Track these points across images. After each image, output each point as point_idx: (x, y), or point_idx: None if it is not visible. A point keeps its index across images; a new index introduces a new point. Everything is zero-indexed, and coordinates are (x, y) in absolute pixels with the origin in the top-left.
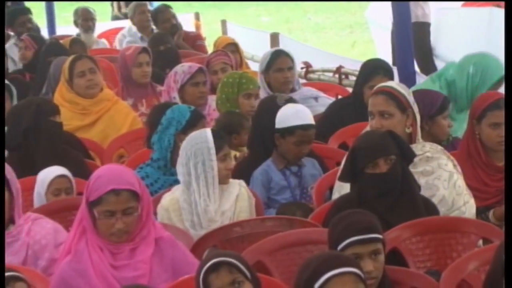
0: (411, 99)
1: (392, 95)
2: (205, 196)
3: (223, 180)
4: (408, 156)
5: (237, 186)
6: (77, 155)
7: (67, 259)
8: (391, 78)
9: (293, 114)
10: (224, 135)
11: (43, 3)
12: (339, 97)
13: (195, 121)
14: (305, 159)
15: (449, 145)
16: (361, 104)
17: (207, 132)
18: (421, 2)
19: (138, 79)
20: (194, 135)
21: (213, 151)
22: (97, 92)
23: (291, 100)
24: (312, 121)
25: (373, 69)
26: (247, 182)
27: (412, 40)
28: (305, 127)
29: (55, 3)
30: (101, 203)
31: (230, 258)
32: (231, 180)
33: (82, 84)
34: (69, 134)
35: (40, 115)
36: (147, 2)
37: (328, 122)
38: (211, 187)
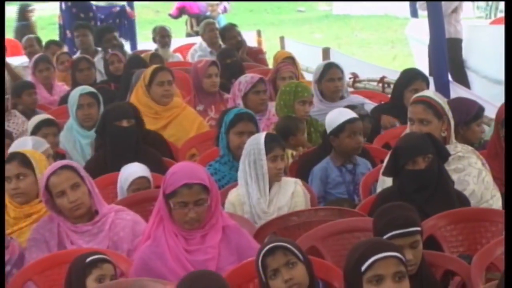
0: (446, 107)
1: (430, 105)
2: (256, 191)
3: (273, 178)
4: (444, 155)
5: (293, 184)
6: (155, 154)
7: (147, 243)
8: (428, 83)
9: (337, 115)
10: (277, 139)
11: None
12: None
13: (234, 122)
14: (360, 159)
15: (480, 146)
16: (400, 107)
17: (261, 135)
18: (452, 20)
19: (208, 88)
20: (252, 137)
21: (263, 151)
22: (170, 101)
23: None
24: (355, 114)
25: (413, 75)
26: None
27: (446, 54)
28: (351, 120)
29: (136, 20)
30: (176, 195)
31: (284, 243)
32: (288, 178)
33: (159, 92)
34: (156, 134)
35: (106, 120)
36: (216, 22)
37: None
38: (261, 183)
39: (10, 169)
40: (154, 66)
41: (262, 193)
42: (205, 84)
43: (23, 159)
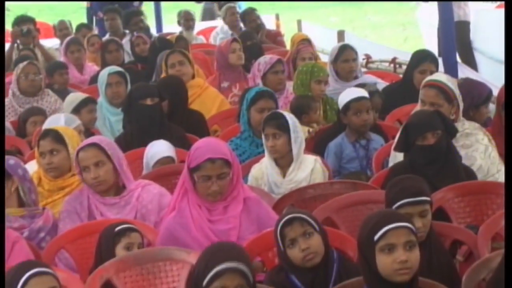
0: (457, 92)
1: (442, 90)
2: (269, 165)
3: (270, 155)
4: (452, 132)
5: (313, 161)
6: (179, 130)
7: (172, 214)
8: (437, 64)
9: (346, 94)
10: (272, 118)
11: (152, 5)
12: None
13: (256, 99)
14: (373, 135)
15: (483, 124)
16: (409, 86)
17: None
18: (462, 4)
19: (235, 62)
20: None
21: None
22: (185, 80)
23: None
24: (363, 94)
25: (422, 56)
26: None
27: (455, 36)
28: (357, 99)
29: (162, 4)
30: (200, 169)
31: (301, 214)
32: (307, 156)
33: (172, 73)
34: (193, 111)
35: (131, 99)
36: (236, 5)
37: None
38: (269, 159)
39: (44, 145)
40: (166, 51)
41: (273, 165)
42: (231, 59)
43: (56, 136)
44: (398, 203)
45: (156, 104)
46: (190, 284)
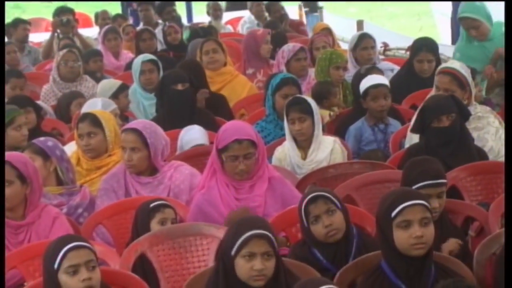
0: (469, 78)
1: (456, 77)
2: (291, 147)
3: (296, 138)
4: (465, 115)
5: (332, 142)
6: (208, 114)
7: (201, 192)
8: (434, 52)
9: (366, 80)
10: (296, 103)
11: None
12: None
13: (280, 86)
14: (392, 120)
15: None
16: (412, 73)
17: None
18: None
19: (265, 54)
20: None
21: (285, 115)
22: (217, 67)
23: (371, 68)
24: (381, 81)
25: (419, 46)
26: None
27: None
28: (374, 86)
29: None
30: (228, 149)
31: (325, 193)
32: (327, 137)
33: (206, 60)
34: (216, 94)
35: (163, 84)
36: None
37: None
38: (290, 141)
39: (83, 127)
40: (202, 40)
41: (295, 149)
42: (262, 50)
43: (94, 119)
44: (419, 184)
45: (187, 89)
46: (218, 256)
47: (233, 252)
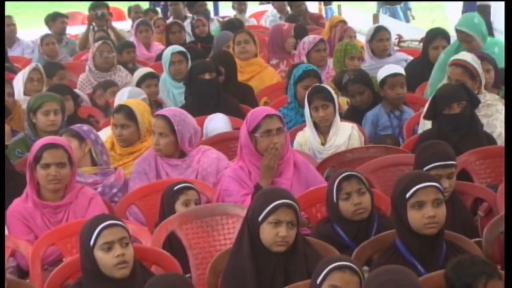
0: (480, 70)
1: (467, 68)
2: (311, 133)
3: (319, 124)
4: (475, 102)
5: (350, 128)
6: (234, 101)
7: (229, 173)
8: (448, 41)
9: (384, 70)
10: (319, 91)
11: None
12: None
13: (302, 77)
14: (406, 107)
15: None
16: (426, 61)
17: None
18: None
19: (289, 48)
20: None
21: (306, 103)
22: (248, 57)
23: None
24: (399, 71)
25: (434, 34)
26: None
27: None
28: (392, 75)
29: None
30: (260, 126)
31: (359, 174)
32: (345, 123)
33: (238, 50)
34: (243, 84)
35: (192, 74)
36: None
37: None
38: (312, 127)
39: (118, 118)
40: (230, 31)
41: (315, 135)
42: (287, 44)
43: (129, 112)
44: (430, 166)
45: (214, 78)
46: (243, 223)
47: (260, 218)
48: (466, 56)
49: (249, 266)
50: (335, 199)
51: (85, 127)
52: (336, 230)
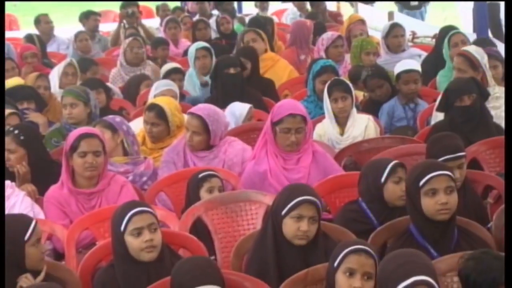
0: (482, 62)
1: (467, 58)
2: (330, 124)
3: (338, 115)
4: (485, 95)
5: (366, 119)
6: (257, 94)
7: (251, 163)
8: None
9: (401, 64)
10: (337, 84)
11: None
12: None
13: (321, 72)
14: (421, 100)
15: None
16: (439, 57)
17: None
18: None
19: (309, 43)
20: None
21: (326, 95)
22: (259, 54)
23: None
24: (413, 67)
25: (448, 31)
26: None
27: (487, 15)
28: (406, 71)
29: None
30: (282, 122)
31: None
32: (362, 115)
33: None
34: (265, 78)
35: (217, 68)
36: None
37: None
38: (332, 118)
39: (149, 116)
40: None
41: (334, 126)
42: (310, 39)
43: (160, 112)
44: (441, 158)
45: (238, 73)
46: (268, 216)
47: (283, 212)
48: (470, 47)
49: (272, 257)
50: (382, 180)
51: (118, 118)
52: (366, 212)
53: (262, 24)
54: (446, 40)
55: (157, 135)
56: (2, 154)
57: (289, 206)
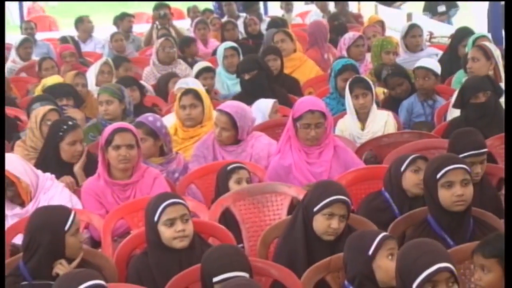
0: (496, 53)
1: (481, 48)
2: (351, 119)
3: (359, 111)
4: (499, 92)
5: (386, 116)
6: (283, 92)
7: (276, 157)
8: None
9: (417, 63)
10: (358, 81)
11: None
12: None
13: (342, 71)
14: (439, 97)
15: None
16: (454, 56)
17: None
18: None
19: (327, 40)
20: None
21: (348, 92)
22: (286, 54)
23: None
24: (428, 65)
25: (465, 33)
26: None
27: (501, 15)
28: (421, 67)
29: None
30: (302, 118)
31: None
32: (382, 111)
33: None
34: (290, 76)
35: (238, 71)
36: None
37: None
38: (353, 114)
39: (186, 99)
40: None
41: (356, 121)
42: (327, 37)
43: (196, 94)
44: (466, 154)
45: (253, 77)
46: (298, 209)
47: (316, 209)
48: (485, 40)
49: (301, 249)
50: (402, 170)
51: (158, 122)
52: (389, 203)
53: (280, 25)
54: (470, 42)
55: (195, 117)
56: (2, 154)
57: (322, 203)
